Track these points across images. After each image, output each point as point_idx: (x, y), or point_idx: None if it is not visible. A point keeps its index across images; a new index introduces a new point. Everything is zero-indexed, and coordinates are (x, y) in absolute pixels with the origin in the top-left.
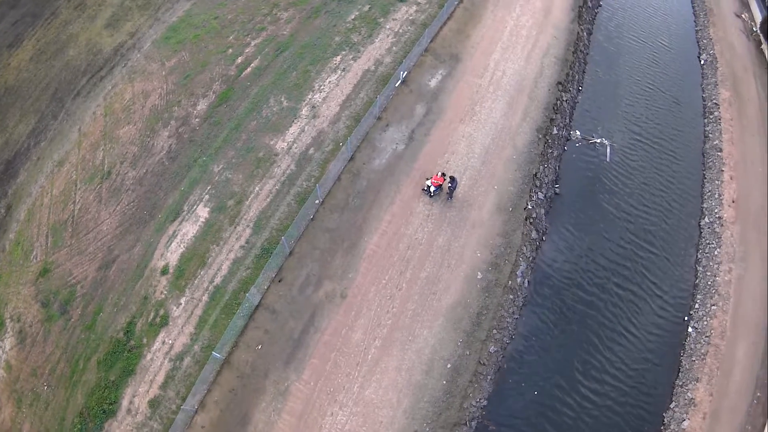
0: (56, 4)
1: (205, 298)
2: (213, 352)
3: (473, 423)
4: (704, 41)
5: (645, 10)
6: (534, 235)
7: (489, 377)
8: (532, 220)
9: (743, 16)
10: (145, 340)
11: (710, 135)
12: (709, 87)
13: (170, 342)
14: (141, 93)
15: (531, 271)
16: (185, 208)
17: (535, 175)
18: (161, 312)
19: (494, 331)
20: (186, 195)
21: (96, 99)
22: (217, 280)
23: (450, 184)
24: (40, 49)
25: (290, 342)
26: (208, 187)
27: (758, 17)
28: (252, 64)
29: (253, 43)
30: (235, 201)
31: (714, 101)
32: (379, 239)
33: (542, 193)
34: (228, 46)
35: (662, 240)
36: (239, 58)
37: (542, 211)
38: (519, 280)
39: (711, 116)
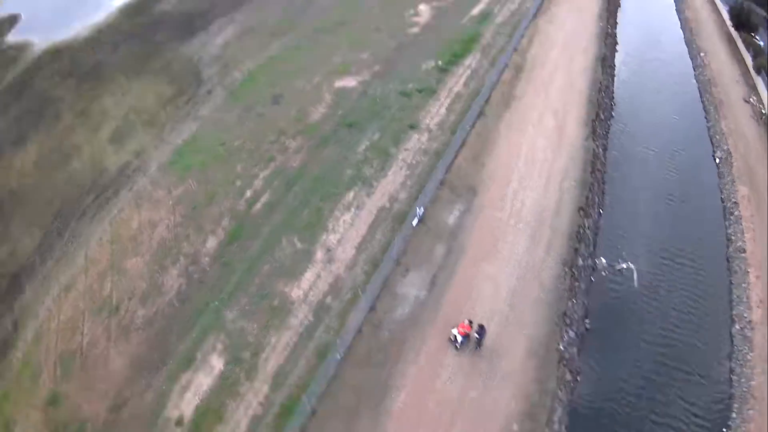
0: (59, 106)
1: None
2: None
3: None
4: (717, 137)
5: (656, 114)
6: (568, 376)
7: None
8: (565, 362)
9: (751, 100)
10: None
11: (732, 237)
12: (727, 186)
13: None
14: (148, 222)
15: (567, 415)
16: (198, 356)
17: (565, 313)
18: None
19: None
20: (198, 342)
21: (101, 223)
22: None
23: (478, 333)
24: (43, 155)
25: None
26: (222, 336)
27: (766, 99)
28: (262, 199)
29: (261, 175)
30: (251, 353)
31: (733, 200)
32: (406, 396)
33: (573, 331)
34: (236, 176)
35: (695, 358)
36: (248, 191)
37: (574, 350)
38: (556, 427)
39: (732, 217)
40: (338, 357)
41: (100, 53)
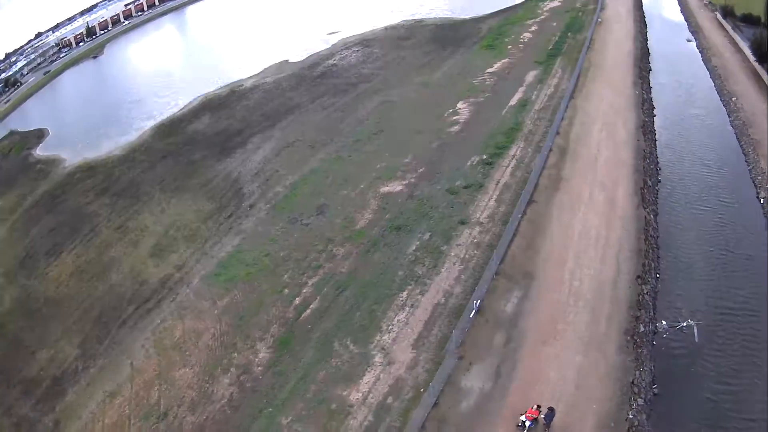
0: (95, 221)
1: None
2: None
3: None
4: (759, 178)
5: (700, 170)
6: None
7: None
8: (634, 429)
9: None
10: None
11: None
12: None
13: None
14: (192, 331)
15: None
16: None
17: (632, 382)
18: None
19: None
20: None
21: (144, 331)
22: None
23: (546, 416)
24: (80, 267)
25: None
26: None
27: None
28: (311, 305)
29: (310, 282)
30: None
31: None
32: None
33: (642, 398)
34: (283, 285)
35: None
36: (297, 298)
37: (644, 417)
38: None
39: None
40: None
41: (135, 171)
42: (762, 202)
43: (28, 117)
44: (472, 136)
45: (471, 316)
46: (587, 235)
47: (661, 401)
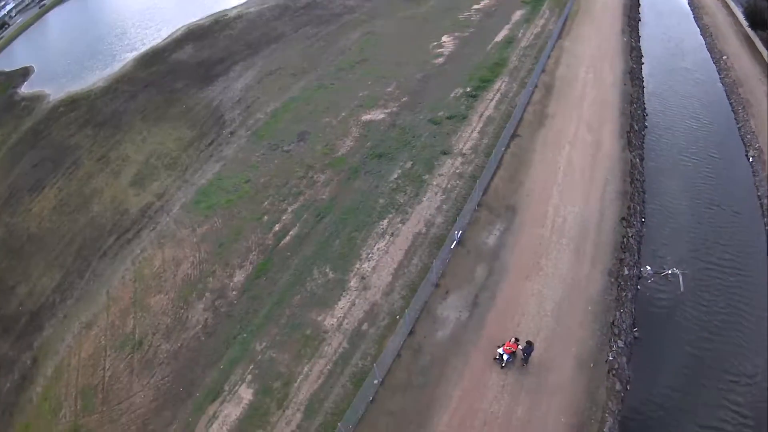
0: (78, 154)
1: None
2: None
3: None
4: (748, 137)
5: (687, 122)
6: (618, 386)
7: None
8: (614, 372)
9: None
10: None
11: None
12: (762, 184)
13: None
14: (172, 260)
15: (618, 425)
16: (226, 388)
17: (613, 323)
18: None
19: None
20: (226, 374)
21: (124, 262)
22: None
23: (525, 350)
24: (62, 200)
25: None
26: (251, 367)
27: None
28: (291, 232)
29: (290, 209)
30: (283, 382)
31: None
32: (450, 419)
33: (622, 341)
34: (263, 212)
35: (743, 362)
36: (276, 225)
37: (624, 359)
38: None
39: None
40: (376, 382)
41: (118, 101)
42: (751, 160)
43: (15, 56)
44: (456, 69)
45: (452, 246)
46: (572, 172)
47: (642, 347)
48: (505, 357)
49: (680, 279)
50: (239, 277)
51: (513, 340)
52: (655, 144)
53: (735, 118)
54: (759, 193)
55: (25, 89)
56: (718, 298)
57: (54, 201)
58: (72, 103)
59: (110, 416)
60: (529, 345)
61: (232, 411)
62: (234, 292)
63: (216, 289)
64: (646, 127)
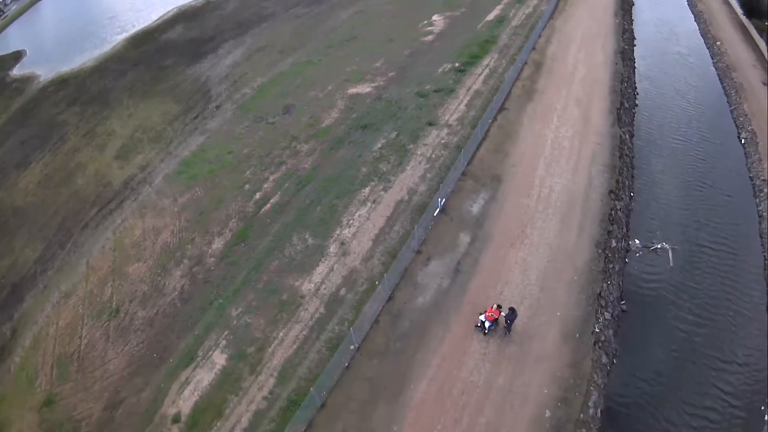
0: (65, 130)
1: None
2: None
3: None
4: (741, 119)
5: (678, 103)
6: (604, 359)
7: None
8: (600, 344)
9: None
10: None
11: (763, 214)
12: (754, 165)
13: None
14: (152, 229)
15: (603, 399)
16: (200, 353)
17: (599, 294)
18: None
19: None
20: (200, 340)
21: (105, 232)
22: None
23: (508, 317)
24: (48, 174)
25: None
26: (225, 332)
27: None
28: (271, 200)
29: (271, 178)
30: (257, 348)
31: (762, 178)
32: (427, 386)
33: (609, 313)
34: (245, 181)
35: (733, 346)
36: (257, 193)
37: (610, 332)
38: (591, 411)
39: (761, 194)
40: (352, 348)
41: (107, 79)
42: (743, 142)
43: (8, 42)
44: (446, 46)
45: (435, 214)
46: (559, 145)
47: (630, 321)
48: (486, 324)
49: (670, 254)
50: (218, 244)
51: (495, 306)
52: (646, 123)
53: (728, 101)
54: (751, 175)
55: (16, 71)
56: (708, 279)
57: (40, 176)
58: (62, 82)
59: (84, 384)
60: (512, 312)
61: (204, 376)
62: (212, 259)
63: (194, 256)
64: (636, 105)
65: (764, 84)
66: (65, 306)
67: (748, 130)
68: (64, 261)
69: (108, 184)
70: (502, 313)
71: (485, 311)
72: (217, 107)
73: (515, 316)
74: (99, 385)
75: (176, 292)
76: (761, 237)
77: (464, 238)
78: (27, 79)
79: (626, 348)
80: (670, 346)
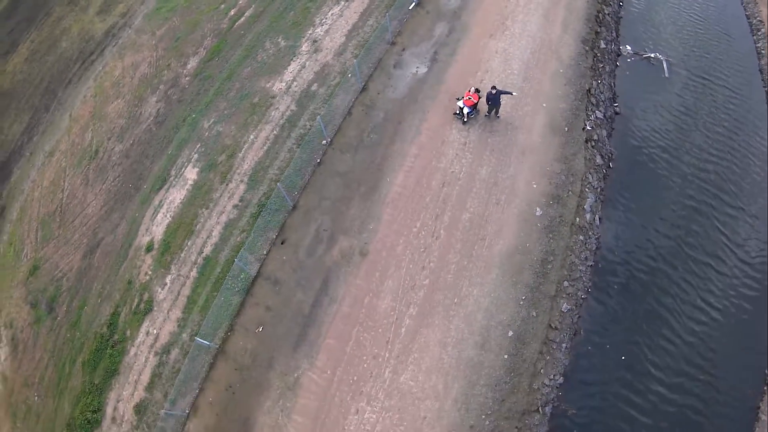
0: (50, 4)
1: (193, 273)
2: (197, 339)
3: (547, 408)
4: None
5: None
6: (599, 160)
7: (564, 345)
8: (593, 143)
9: None
10: (128, 333)
11: (762, 52)
12: (750, 5)
13: (155, 332)
14: (131, 66)
15: (601, 205)
16: (173, 172)
17: (589, 90)
18: (145, 296)
19: (565, 283)
20: (173, 158)
21: (87, 82)
22: (207, 249)
23: (490, 98)
24: (34, 49)
25: (299, 319)
26: (198, 146)
27: None
28: (246, 14)
29: None
30: (227, 155)
31: (758, 18)
32: (404, 178)
33: (600, 111)
34: (220, 1)
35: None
36: (232, 10)
37: (604, 132)
38: (588, 216)
39: (758, 33)
40: (324, 142)
41: None
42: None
43: None
44: None
45: (410, 7)
46: None
47: (624, 123)
48: (465, 110)
49: (664, 64)
50: (192, 63)
51: (473, 90)
52: None
53: None
54: (747, 13)
55: None
56: (705, 99)
57: (26, 53)
58: None
59: (65, 237)
60: (495, 93)
61: (176, 195)
62: (187, 78)
63: (169, 80)
64: None
65: None
66: (49, 165)
67: None
68: (48, 122)
69: (90, 38)
70: (481, 98)
71: (463, 96)
72: None
73: (498, 99)
74: (78, 233)
75: (151, 118)
76: (761, 72)
77: (441, 29)
78: None
79: (623, 152)
80: (669, 151)
